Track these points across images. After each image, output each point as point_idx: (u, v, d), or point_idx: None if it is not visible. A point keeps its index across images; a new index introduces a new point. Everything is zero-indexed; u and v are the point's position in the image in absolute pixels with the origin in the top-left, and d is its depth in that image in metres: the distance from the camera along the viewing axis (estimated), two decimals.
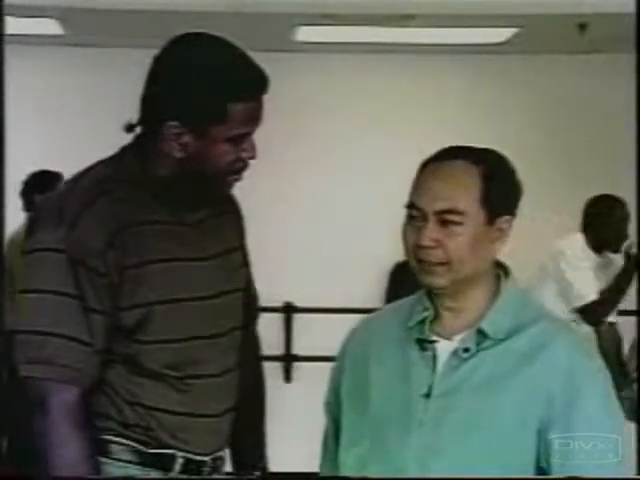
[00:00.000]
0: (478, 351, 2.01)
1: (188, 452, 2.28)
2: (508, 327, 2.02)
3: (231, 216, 2.43)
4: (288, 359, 6.71)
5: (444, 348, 2.03)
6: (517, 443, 1.96)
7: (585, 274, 5.20)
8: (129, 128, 2.26)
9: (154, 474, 2.26)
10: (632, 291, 5.26)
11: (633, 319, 5.35)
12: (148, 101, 2.22)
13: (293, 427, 5.33)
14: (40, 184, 5.21)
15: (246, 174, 2.27)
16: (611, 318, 5.34)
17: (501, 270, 2.09)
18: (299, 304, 6.68)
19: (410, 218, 2.02)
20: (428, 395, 2.01)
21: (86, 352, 2.17)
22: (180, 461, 2.28)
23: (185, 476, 2.28)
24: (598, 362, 2.06)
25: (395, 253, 5.73)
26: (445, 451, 1.98)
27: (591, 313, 5.16)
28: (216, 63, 2.18)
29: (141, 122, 2.25)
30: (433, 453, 1.98)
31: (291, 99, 6.12)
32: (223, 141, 2.18)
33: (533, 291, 4.94)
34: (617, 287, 5.19)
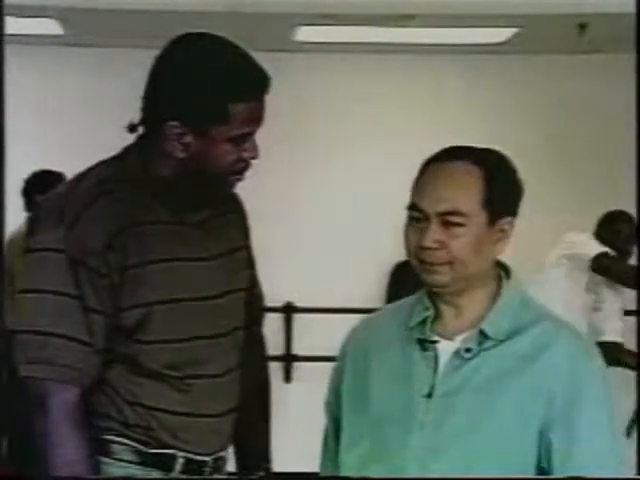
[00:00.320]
0: (480, 351, 2.01)
1: (189, 452, 2.28)
2: (508, 328, 2.02)
3: (235, 215, 2.43)
4: (288, 359, 6.70)
5: (445, 348, 2.03)
6: (518, 443, 1.97)
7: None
8: (131, 128, 2.26)
9: (155, 474, 2.26)
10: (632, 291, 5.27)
11: (633, 319, 5.35)
12: (149, 101, 2.22)
13: (293, 427, 5.33)
14: (42, 184, 5.20)
15: (246, 174, 2.27)
16: (618, 338, 5.37)
17: (502, 271, 2.09)
18: (299, 304, 6.69)
19: (412, 219, 2.02)
20: (429, 395, 2.01)
21: (86, 352, 2.17)
22: (181, 461, 2.28)
23: (186, 476, 2.28)
24: (599, 362, 2.06)
25: (395, 253, 5.75)
26: (446, 451, 1.98)
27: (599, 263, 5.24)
28: (217, 63, 2.18)
29: (143, 122, 2.25)
30: (434, 453, 1.98)
31: (291, 99, 6.12)
32: (225, 141, 2.18)
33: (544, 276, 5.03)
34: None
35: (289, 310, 6.71)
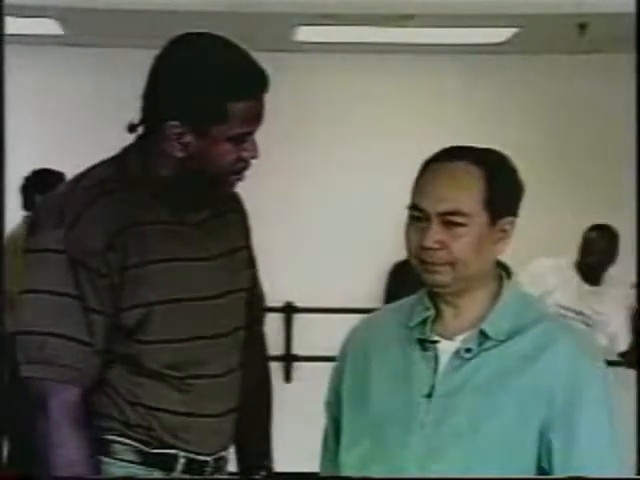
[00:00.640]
0: (480, 351, 2.01)
1: (190, 452, 2.28)
2: (509, 328, 2.02)
3: (236, 215, 2.43)
4: (288, 359, 6.71)
5: (446, 348, 2.02)
6: (518, 443, 1.96)
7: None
8: (131, 128, 2.26)
9: (156, 474, 2.26)
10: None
11: None
12: (149, 101, 2.22)
13: (293, 427, 5.32)
14: (42, 183, 5.20)
15: (246, 174, 2.27)
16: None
17: (503, 271, 2.09)
18: (299, 304, 6.69)
19: (413, 219, 2.02)
20: (430, 395, 2.01)
21: (86, 352, 2.17)
22: (182, 461, 2.28)
23: (187, 476, 2.28)
24: (600, 363, 2.06)
25: (395, 253, 5.75)
26: (446, 451, 1.98)
27: None
28: (216, 62, 2.18)
29: (142, 122, 2.25)
30: (434, 453, 1.98)
31: (291, 99, 6.12)
32: (224, 140, 2.18)
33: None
34: None
35: (289, 310, 6.71)
